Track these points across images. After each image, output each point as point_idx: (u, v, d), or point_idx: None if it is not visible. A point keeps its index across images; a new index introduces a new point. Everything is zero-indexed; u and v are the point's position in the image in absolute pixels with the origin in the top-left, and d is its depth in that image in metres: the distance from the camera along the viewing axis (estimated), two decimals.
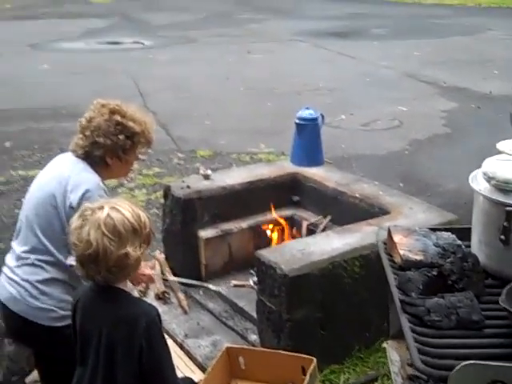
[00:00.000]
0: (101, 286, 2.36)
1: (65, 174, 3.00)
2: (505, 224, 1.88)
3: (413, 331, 1.67)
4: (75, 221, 2.30)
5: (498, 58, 11.85)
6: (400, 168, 6.41)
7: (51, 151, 6.71)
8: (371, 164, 6.47)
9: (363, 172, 5.44)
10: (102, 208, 2.28)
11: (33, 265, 2.98)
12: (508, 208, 1.87)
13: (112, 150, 3.04)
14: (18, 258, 3.03)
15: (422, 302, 1.76)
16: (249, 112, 8.58)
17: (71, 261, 2.88)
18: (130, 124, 3.06)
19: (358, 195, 3.79)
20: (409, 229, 2.19)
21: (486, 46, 13.23)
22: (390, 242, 2.16)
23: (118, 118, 3.05)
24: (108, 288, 2.36)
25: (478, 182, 2.04)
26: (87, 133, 3.03)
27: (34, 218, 3.00)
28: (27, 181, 6.06)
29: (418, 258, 1.94)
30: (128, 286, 2.54)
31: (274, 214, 4.03)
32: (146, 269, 3.03)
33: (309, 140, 4.30)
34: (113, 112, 3.06)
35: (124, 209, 2.30)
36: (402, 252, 2.00)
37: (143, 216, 2.34)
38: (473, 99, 8.99)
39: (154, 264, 4.05)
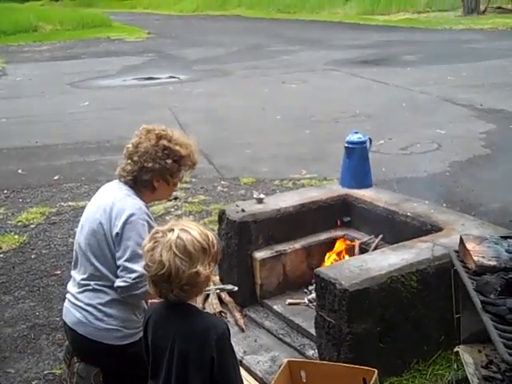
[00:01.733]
0: (172, 303, 2.47)
1: (109, 201, 3.10)
2: None
3: (496, 328, 1.75)
4: (147, 243, 2.41)
5: None
6: (442, 189, 6.45)
7: (99, 183, 6.92)
8: (413, 186, 6.52)
9: (405, 194, 5.50)
10: (171, 230, 2.39)
11: (93, 290, 3.10)
12: None
13: (160, 173, 3.15)
14: (79, 285, 3.15)
15: (503, 301, 1.86)
16: (288, 140, 8.73)
17: (118, 282, 3.01)
18: (177, 148, 3.17)
19: (409, 214, 3.87)
20: (480, 237, 2.28)
21: None
22: (462, 250, 2.25)
23: (165, 142, 3.15)
24: (179, 305, 2.46)
25: None
26: (135, 158, 3.13)
27: (86, 248, 3.11)
28: (77, 211, 6.28)
29: (492, 263, 2.04)
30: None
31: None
32: None
33: (357, 163, 4.42)
34: (159, 137, 3.17)
35: (193, 229, 2.40)
36: (476, 258, 2.09)
37: (211, 235, 2.45)
38: (511, 120, 9.01)
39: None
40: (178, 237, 2.35)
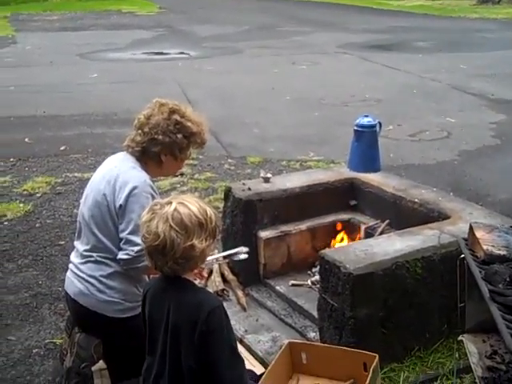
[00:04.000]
0: (168, 276, 2.46)
1: (113, 172, 3.06)
2: None
3: (503, 319, 1.73)
4: (145, 215, 2.40)
5: None
6: (450, 178, 6.43)
7: (105, 155, 6.84)
8: (420, 173, 6.51)
9: (413, 181, 5.48)
10: (170, 203, 2.37)
11: (96, 261, 3.08)
12: None
13: (169, 147, 3.12)
14: (82, 256, 3.14)
15: None
16: (297, 121, 8.68)
17: (121, 255, 2.99)
18: (189, 124, 3.13)
19: (416, 200, 3.85)
20: (490, 225, 2.25)
21: None
22: (471, 238, 2.23)
23: (178, 117, 3.12)
24: (175, 278, 2.44)
25: None
26: (146, 129, 3.09)
27: (90, 219, 3.09)
28: (82, 182, 6.26)
29: (502, 252, 2.01)
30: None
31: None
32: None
33: (366, 147, 4.38)
34: (172, 111, 3.13)
35: (191, 204, 2.38)
36: (485, 247, 2.07)
37: (209, 211, 2.42)
38: None
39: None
40: (176, 209, 2.33)
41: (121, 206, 2.99)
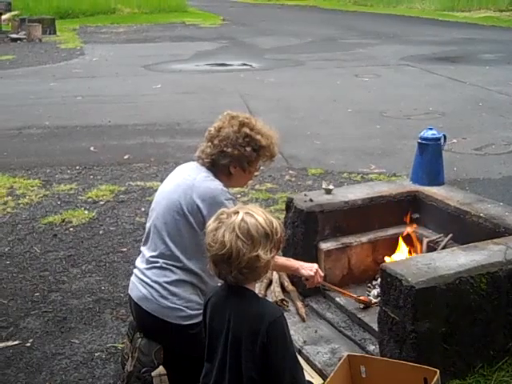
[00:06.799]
0: (231, 285, 2.47)
1: (188, 182, 3.12)
2: None
3: None
4: (211, 223, 2.42)
5: None
6: None
7: (167, 165, 7.03)
8: (485, 188, 6.37)
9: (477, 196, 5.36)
10: (237, 213, 2.39)
11: (161, 268, 3.13)
12: None
13: (238, 160, 3.16)
14: (148, 261, 3.19)
15: None
16: (358, 133, 8.63)
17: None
18: (258, 137, 3.17)
19: (482, 214, 3.76)
20: None
21: None
22: None
23: (247, 130, 3.16)
24: (238, 288, 2.46)
25: None
26: (215, 141, 3.15)
27: (162, 226, 3.14)
28: (145, 191, 6.39)
29: None
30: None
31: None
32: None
33: (430, 160, 4.32)
34: (242, 124, 3.18)
35: (258, 214, 2.40)
36: None
37: (275, 222, 2.44)
38: None
39: (272, 273, 4.15)
40: (243, 219, 2.35)
41: (204, 216, 3.02)
